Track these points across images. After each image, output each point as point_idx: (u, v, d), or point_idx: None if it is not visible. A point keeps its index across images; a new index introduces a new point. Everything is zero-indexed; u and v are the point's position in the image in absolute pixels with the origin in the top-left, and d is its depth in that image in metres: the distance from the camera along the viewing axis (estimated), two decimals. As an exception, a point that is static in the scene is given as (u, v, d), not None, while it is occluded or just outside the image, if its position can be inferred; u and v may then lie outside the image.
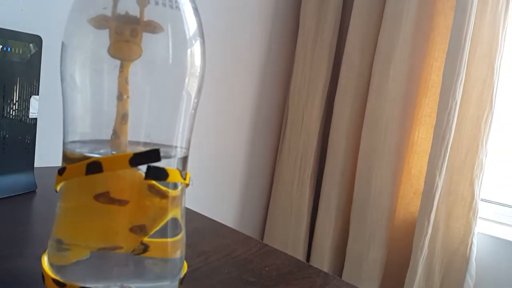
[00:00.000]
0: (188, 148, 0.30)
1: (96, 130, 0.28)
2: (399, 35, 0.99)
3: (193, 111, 0.29)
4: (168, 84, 0.28)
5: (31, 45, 0.53)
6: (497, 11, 0.92)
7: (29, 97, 0.53)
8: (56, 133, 0.72)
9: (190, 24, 0.28)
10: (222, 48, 1.04)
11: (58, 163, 0.69)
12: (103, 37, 0.26)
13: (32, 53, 0.53)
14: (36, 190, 0.55)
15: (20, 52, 0.52)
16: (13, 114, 0.52)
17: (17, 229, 0.42)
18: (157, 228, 0.27)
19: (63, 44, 0.27)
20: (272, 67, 1.17)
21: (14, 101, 0.52)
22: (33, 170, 0.56)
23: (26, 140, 0.54)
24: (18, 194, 0.53)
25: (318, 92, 1.11)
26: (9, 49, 0.50)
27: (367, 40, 1.06)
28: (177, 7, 0.27)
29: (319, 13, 1.11)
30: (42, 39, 0.54)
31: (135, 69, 0.26)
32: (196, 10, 0.29)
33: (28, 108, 0.54)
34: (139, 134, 0.27)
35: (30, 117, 0.54)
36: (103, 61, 0.26)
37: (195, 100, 0.29)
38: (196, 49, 0.28)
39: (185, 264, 0.31)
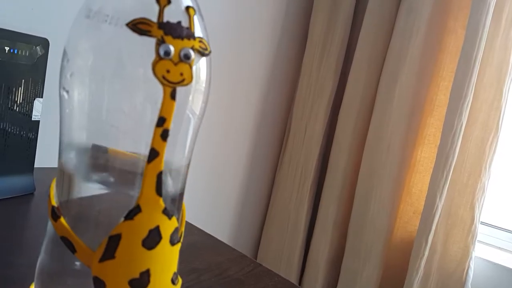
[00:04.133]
0: (189, 162, 0.30)
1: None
2: (407, 52, 0.99)
3: (197, 129, 0.29)
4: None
5: (38, 47, 0.53)
6: (509, 34, 0.92)
7: (33, 99, 0.53)
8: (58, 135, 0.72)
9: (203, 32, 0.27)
10: (229, 56, 1.04)
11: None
12: (115, 44, 0.24)
13: (38, 55, 0.53)
14: (34, 192, 0.55)
15: (27, 54, 0.52)
16: (16, 115, 0.52)
17: (11, 233, 0.42)
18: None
19: (64, 51, 0.26)
20: (278, 78, 1.17)
21: (18, 103, 0.52)
22: (33, 172, 0.56)
23: (28, 142, 0.54)
24: (16, 196, 0.53)
25: (322, 105, 1.10)
26: (16, 51, 0.50)
27: (375, 56, 1.06)
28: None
29: (328, 26, 1.11)
30: (49, 42, 0.54)
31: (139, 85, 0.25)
32: (202, 20, 0.28)
33: (31, 110, 0.54)
34: (140, 147, 0.26)
35: (32, 119, 0.54)
36: (114, 74, 0.25)
37: (199, 118, 0.29)
38: (202, 64, 0.28)
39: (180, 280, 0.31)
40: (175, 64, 0.24)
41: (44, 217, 0.48)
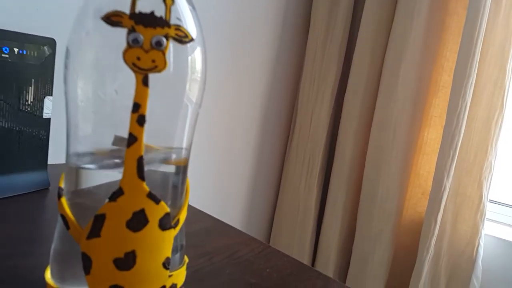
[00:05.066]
0: (189, 151, 0.31)
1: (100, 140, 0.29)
2: (410, 35, 0.99)
3: (195, 116, 0.30)
4: (169, 91, 0.28)
5: (45, 47, 0.54)
6: (510, 12, 0.92)
7: (43, 97, 0.55)
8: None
9: (191, 30, 0.28)
10: (232, 47, 1.05)
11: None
12: (115, 40, 0.25)
13: (46, 55, 0.55)
14: (49, 187, 0.57)
15: (35, 54, 0.53)
16: (28, 114, 0.54)
17: (29, 227, 0.44)
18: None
19: (67, 50, 0.28)
20: (282, 66, 1.18)
21: (29, 102, 0.54)
22: (47, 168, 0.58)
23: (40, 139, 0.56)
24: (32, 192, 0.55)
25: (327, 91, 1.11)
26: (24, 52, 0.52)
27: (378, 40, 1.06)
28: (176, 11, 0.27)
29: (330, 11, 1.11)
30: (56, 42, 0.55)
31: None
32: (194, 10, 0.29)
33: (42, 108, 0.55)
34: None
35: (44, 117, 0.56)
36: (110, 68, 0.26)
37: (197, 106, 0.30)
38: (197, 54, 0.29)
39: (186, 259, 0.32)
40: (146, 51, 0.25)
41: (56, 210, 0.50)
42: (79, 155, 0.29)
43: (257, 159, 1.17)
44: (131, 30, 0.25)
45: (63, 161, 0.65)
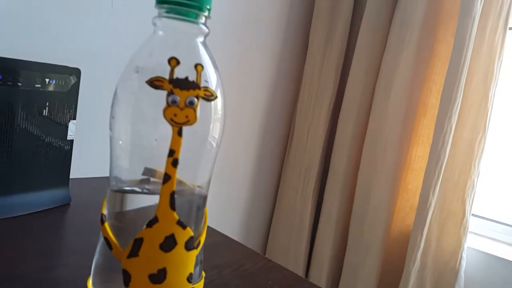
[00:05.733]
0: (209, 184, 0.38)
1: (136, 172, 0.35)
2: (401, 60, 1.06)
3: (215, 155, 0.36)
4: (196, 137, 0.35)
5: (71, 76, 0.61)
6: (493, 42, 0.99)
7: (68, 121, 0.61)
8: (88, 150, 0.80)
9: (213, 80, 0.34)
10: (234, 62, 1.12)
11: (90, 174, 0.77)
12: (155, 96, 0.31)
13: (72, 83, 0.61)
14: (70, 203, 0.63)
15: (63, 83, 0.59)
16: (55, 136, 0.60)
17: (55, 241, 0.50)
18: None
19: (116, 94, 0.34)
20: (281, 83, 1.25)
21: (56, 125, 0.60)
22: (68, 184, 0.64)
23: (64, 158, 0.62)
24: (54, 207, 0.61)
25: (323, 109, 1.18)
26: (53, 81, 0.58)
27: (371, 63, 1.13)
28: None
29: (327, 36, 1.18)
30: (81, 71, 0.62)
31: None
32: (217, 71, 0.36)
33: (67, 131, 0.62)
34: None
35: (68, 138, 0.62)
36: (152, 121, 0.33)
37: (217, 145, 0.36)
38: (219, 99, 0.35)
39: (203, 273, 0.38)
40: (181, 109, 0.32)
41: (80, 224, 0.56)
42: (119, 182, 0.36)
43: (256, 174, 1.24)
44: (170, 93, 0.31)
45: (83, 175, 0.72)
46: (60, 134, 0.61)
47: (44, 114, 0.58)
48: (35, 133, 0.57)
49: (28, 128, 0.56)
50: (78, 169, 0.75)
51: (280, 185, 1.27)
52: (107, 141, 0.34)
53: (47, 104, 0.58)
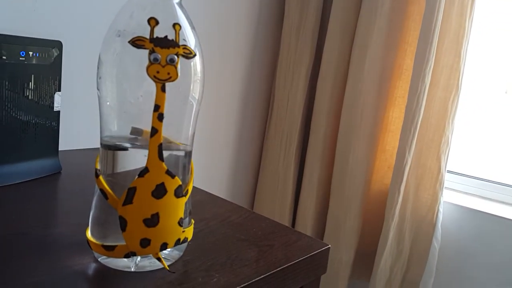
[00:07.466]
0: (193, 138, 0.41)
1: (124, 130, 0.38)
2: (375, 24, 1.09)
3: (197, 112, 0.39)
4: (178, 93, 0.37)
5: (54, 49, 0.62)
6: (464, 1, 1.02)
7: (53, 93, 0.63)
8: (74, 122, 0.82)
9: (191, 39, 0.37)
10: (212, 36, 1.14)
11: (78, 146, 0.79)
12: (137, 56, 0.34)
13: (55, 56, 0.63)
14: (61, 171, 0.66)
15: (46, 56, 0.61)
16: (41, 108, 0.62)
17: (52, 204, 0.53)
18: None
19: (99, 58, 0.36)
20: (260, 53, 1.27)
21: (42, 97, 0.62)
22: (58, 154, 0.66)
23: (52, 129, 0.65)
24: (46, 176, 0.64)
25: (301, 76, 1.21)
26: (37, 54, 0.60)
27: (346, 29, 1.16)
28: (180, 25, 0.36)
29: (302, 4, 1.20)
30: (63, 44, 0.63)
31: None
32: (194, 30, 0.38)
33: (53, 103, 0.64)
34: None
35: (54, 110, 0.64)
36: (136, 79, 0.36)
37: (198, 103, 0.39)
38: (197, 62, 0.38)
39: (192, 221, 0.42)
40: (163, 66, 0.35)
41: (73, 189, 0.59)
42: (109, 139, 0.39)
43: (240, 137, 1.27)
44: (152, 51, 0.34)
45: (71, 147, 0.74)
46: (46, 106, 0.63)
47: (30, 86, 0.60)
48: (23, 105, 0.59)
49: (16, 100, 0.58)
50: (66, 142, 0.77)
51: (263, 150, 1.31)
52: (91, 112, 0.37)
53: (32, 76, 0.60)
